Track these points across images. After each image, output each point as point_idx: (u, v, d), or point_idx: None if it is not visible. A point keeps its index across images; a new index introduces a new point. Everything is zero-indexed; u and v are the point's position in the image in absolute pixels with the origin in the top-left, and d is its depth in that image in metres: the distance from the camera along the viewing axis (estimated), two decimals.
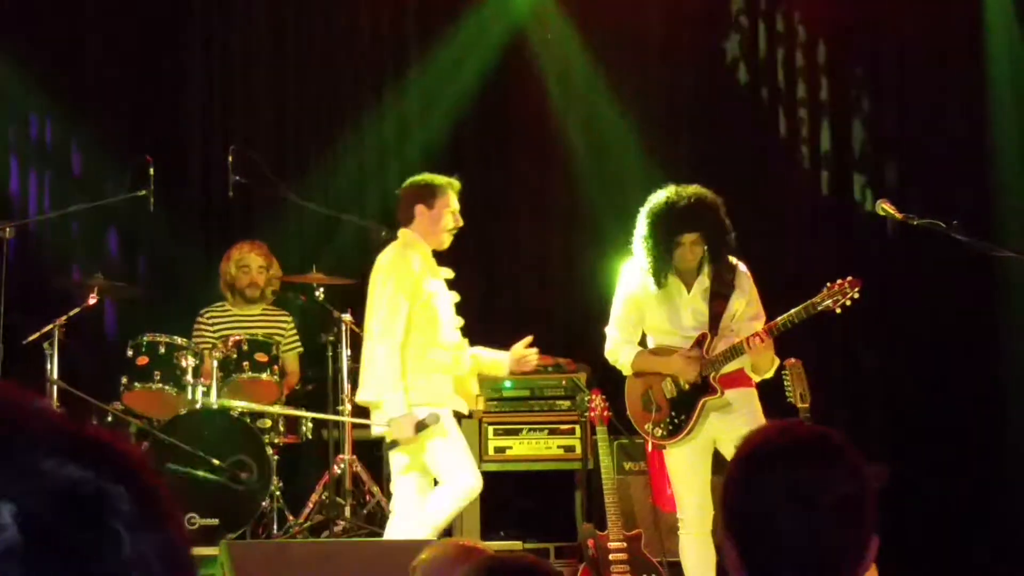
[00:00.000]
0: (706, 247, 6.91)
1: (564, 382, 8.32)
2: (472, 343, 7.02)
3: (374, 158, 9.42)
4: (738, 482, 2.24)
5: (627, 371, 6.93)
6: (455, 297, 6.95)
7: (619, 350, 6.90)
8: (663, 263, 6.89)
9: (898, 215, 6.81)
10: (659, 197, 6.94)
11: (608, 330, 6.93)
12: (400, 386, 6.61)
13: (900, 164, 9.35)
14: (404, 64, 9.49)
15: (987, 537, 8.71)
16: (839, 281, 6.85)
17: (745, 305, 7.02)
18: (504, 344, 7.10)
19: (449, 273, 6.97)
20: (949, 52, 9.36)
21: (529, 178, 9.62)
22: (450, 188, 6.97)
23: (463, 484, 6.74)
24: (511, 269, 9.58)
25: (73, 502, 1.04)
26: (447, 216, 6.93)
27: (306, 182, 8.92)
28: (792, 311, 6.79)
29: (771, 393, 7.15)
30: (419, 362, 6.74)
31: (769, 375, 6.98)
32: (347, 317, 7.93)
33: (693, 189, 6.95)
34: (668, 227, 6.86)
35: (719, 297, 6.97)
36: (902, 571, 7.80)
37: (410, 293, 6.71)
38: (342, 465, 7.75)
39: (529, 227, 9.55)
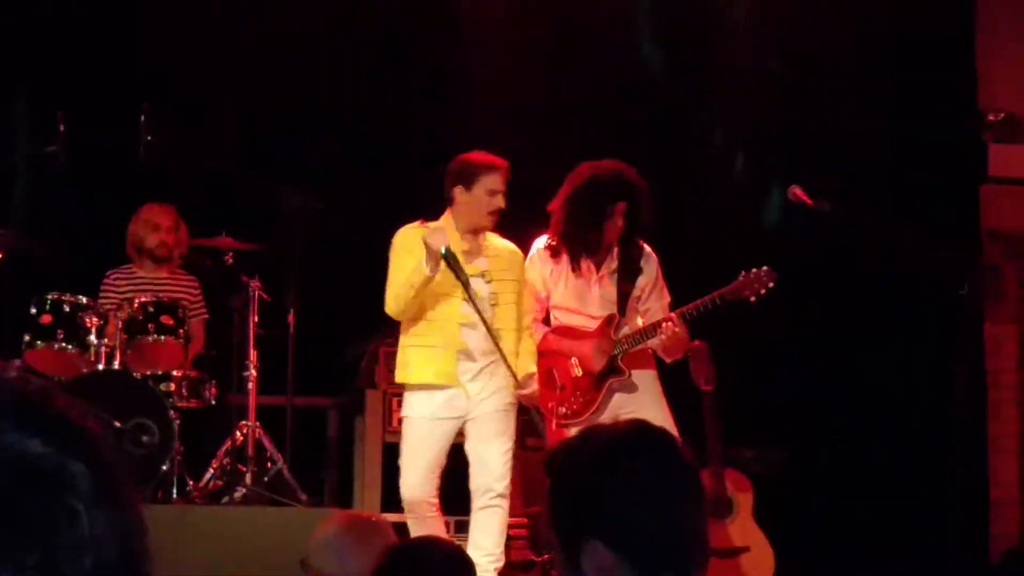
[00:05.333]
0: (625, 222, 6.90)
1: None
2: None
3: (294, 120, 9.29)
4: (601, 480, 2.25)
5: None
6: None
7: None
8: (590, 236, 6.85)
9: (809, 202, 6.83)
10: (584, 171, 6.91)
11: None
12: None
13: (814, 151, 9.39)
14: (333, 21, 9.34)
15: (887, 518, 8.82)
16: (754, 271, 6.84)
17: (651, 287, 7.03)
18: None
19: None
20: (869, 39, 9.41)
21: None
22: (492, 169, 6.57)
23: None
24: None
25: (32, 477, 1.03)
26: (486, 198, 6.55)
27: (220, 144, 8.81)
28: (706, 298, 6.78)
29: (676, 376, 7.19)
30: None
31: (679, 357, 7.01)
32: (255, 283, 7.88)
33: (617, 163, 6.95)
34: (600, 196, 6.84)
35: (627, 278, 6.97)
36: (800, 553, 7.89)
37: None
38: (245, 431, 7.69)
39: None
